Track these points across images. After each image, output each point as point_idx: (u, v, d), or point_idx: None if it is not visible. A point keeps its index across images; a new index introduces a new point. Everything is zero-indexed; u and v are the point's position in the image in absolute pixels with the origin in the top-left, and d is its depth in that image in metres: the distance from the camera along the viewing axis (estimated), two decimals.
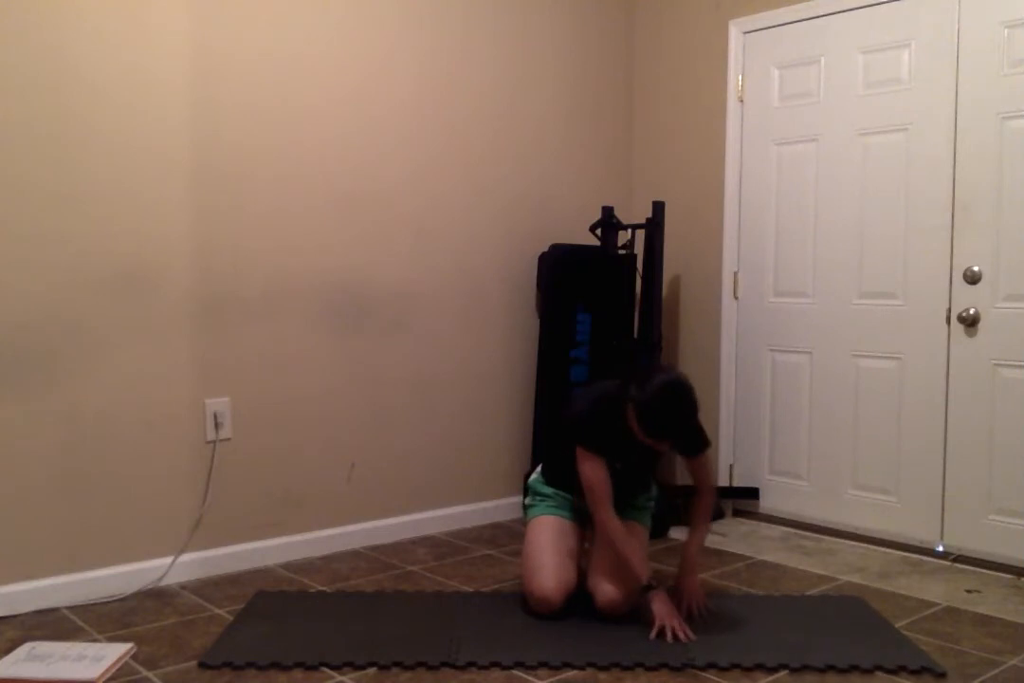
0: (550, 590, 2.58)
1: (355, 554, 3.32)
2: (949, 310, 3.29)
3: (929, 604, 2.82)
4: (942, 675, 2.28)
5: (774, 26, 3.72)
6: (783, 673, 2.28)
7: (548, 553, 2.65)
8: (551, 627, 2.54)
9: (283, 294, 3.18)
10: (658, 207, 3.75)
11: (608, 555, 2.60)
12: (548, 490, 2.83)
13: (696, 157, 4.00)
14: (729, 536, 3.59)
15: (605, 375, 3.84)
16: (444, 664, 2.30)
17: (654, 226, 3.74)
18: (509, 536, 3.55)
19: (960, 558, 3.25)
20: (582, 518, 2.78)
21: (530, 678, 2.25)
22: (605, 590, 2.57)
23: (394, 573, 3.10)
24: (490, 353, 3.78)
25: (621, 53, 4.18)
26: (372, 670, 2.28)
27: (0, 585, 2.66)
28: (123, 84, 2.81)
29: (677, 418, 2.40)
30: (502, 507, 3.81)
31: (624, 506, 2.74)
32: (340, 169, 3.30)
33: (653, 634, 2.45)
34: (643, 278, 3.77)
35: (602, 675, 2.26)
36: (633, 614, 2.57)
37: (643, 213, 3.94)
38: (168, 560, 2.96)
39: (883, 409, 3.47)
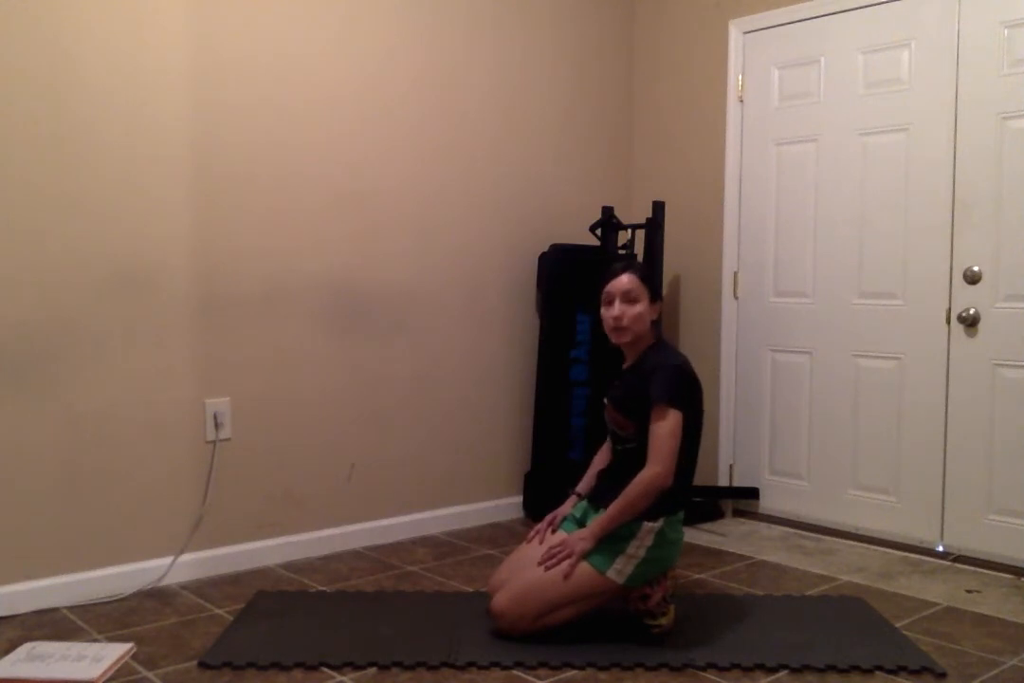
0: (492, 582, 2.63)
1: (355, 554, 3.32)
2: (949, 310, 3.29)
3: (929, 604, 2.82)
4: (942, 675, 2.28)
5: (774, 26, 3.72)
6: (783, 673, 2.28)
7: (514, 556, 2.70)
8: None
9: (283, 294, 3.18)
10: (658, 207, 3.75)
11: (530, 568, 2.48)
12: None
13: (696, 157, 4.00)
14: (729, 536, 3.59)
15: (604, 375, 3.84)
16: (444, 664, 2.30)
17: (654, 226, 3.74)
18: (509, 536, 3.54)
19: (960, 558, 3.25)
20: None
21: (530, 678, 2.25)
22: (498, 596, 2.48)
23: (394, 573, 3.10)
24: (490, 353, 3.78)
25: (621, 53, 4.18)
26: (372, 670, 2.28)
27: (0, 585, 2.66)
28: (123, 85, 2.81)
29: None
30: (502, 507, 3.81)
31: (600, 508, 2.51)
32: (340, 169, 3.30)
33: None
34: None
35: (602, 675, 2.27)
36: (633, 615, 2.56)
37: (643, 213, 3.94)
38: (168, 560, 2.96)
39: (883, 409, 3.47)
